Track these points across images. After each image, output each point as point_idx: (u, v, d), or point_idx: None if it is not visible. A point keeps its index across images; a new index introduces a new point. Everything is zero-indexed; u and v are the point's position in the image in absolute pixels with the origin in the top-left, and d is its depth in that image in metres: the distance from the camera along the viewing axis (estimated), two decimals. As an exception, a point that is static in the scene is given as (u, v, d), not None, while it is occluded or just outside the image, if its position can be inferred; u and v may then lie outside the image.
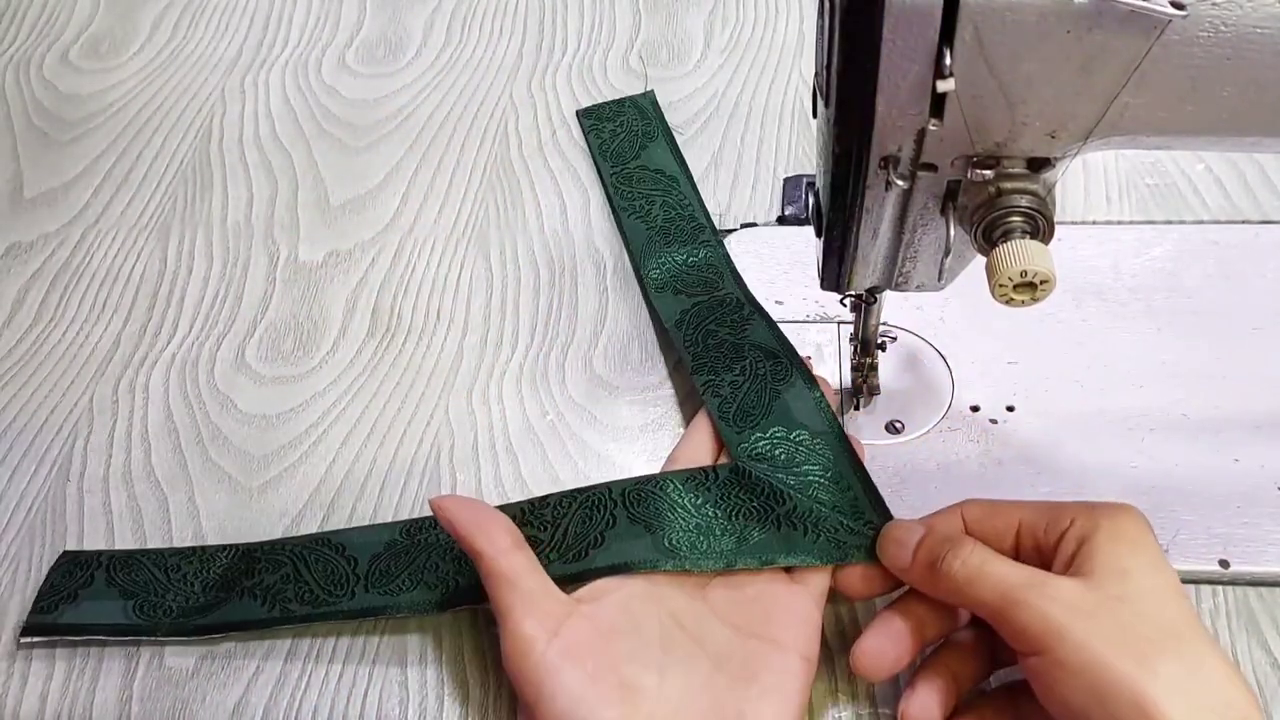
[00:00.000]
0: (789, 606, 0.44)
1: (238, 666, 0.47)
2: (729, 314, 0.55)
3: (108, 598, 0.49)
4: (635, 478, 0.48)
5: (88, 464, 0.55)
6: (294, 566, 0.49)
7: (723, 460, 0.50)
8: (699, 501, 0.47)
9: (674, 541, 0.45)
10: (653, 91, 0.70)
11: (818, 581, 0.45)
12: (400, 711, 0.46)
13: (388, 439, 0.55)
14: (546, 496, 0.48)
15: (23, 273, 0.64)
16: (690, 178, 0.64)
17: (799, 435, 0.49)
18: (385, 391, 0.57)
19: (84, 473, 0.54)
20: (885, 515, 0.46)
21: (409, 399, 0.56)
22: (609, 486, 0.48)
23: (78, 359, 0.59)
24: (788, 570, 0.45)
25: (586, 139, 0.68)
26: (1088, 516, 0.40)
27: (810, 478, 0.47)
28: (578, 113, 0.69)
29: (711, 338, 0.54)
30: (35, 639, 0.48)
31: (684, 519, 0.46)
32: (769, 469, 0.48)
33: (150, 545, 0.51)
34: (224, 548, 0.50)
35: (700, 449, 0.50)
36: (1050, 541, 0.41)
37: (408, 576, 0.47)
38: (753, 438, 0.49)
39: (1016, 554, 0.42)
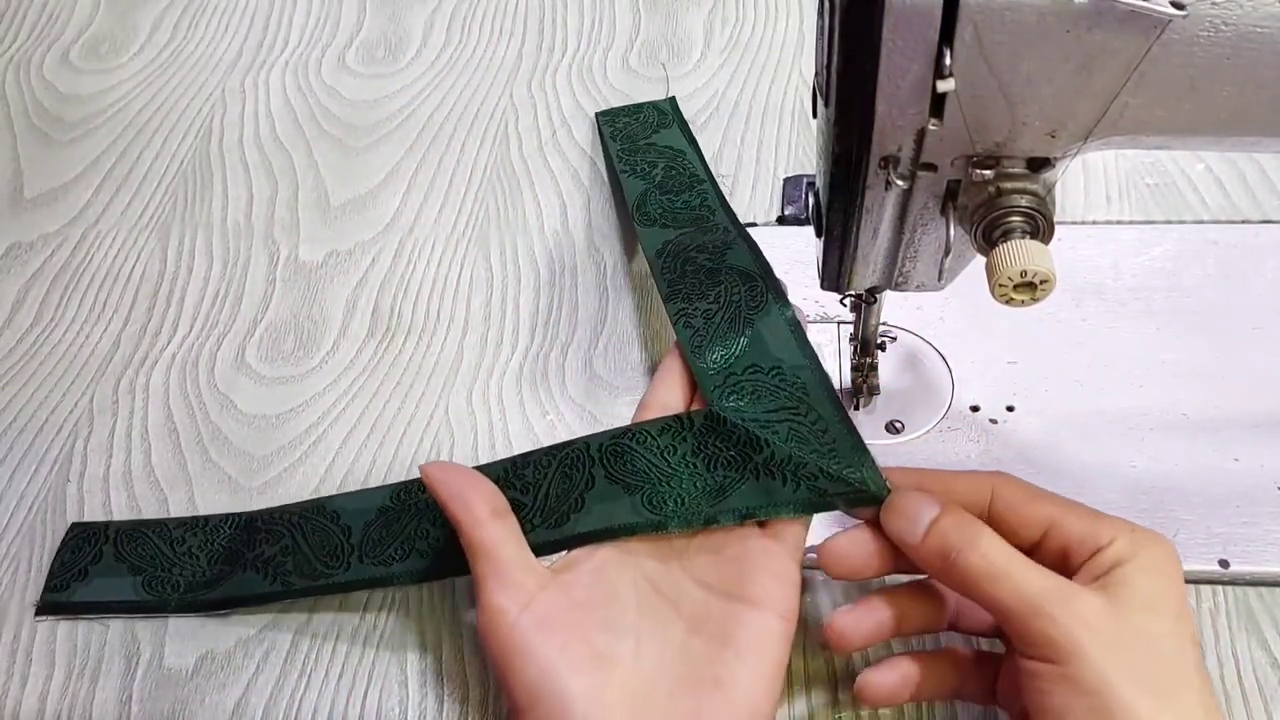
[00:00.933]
0: (764, 564, 0.42)
1: (237, 667, 0.47)
2: (711, 240, 0.54)
3: (117, 574, 0.49)
4: (611, 430, 0.47)
5: (88, 464, 0.55)
6: (292, 537, 0.49)
7: (695, 405, 0.48)
8: (676, 453, 0.45)
9: (653, 501, 0.44)
10: (674, 97, 0.69)
11: (794, 536, 0.43)
12: (400, 711, 0.46)
13: (388, 439, 0.55)
14: (528, 455, 0.47)
15: (23, 273, 0.64)
16: (701, 156, 0.63)
17: (773, 370, 0.47)
18: (385, 391, 0.57)
19: (84, 473, 0.54)
20: (865, 456, 0.43)
21: (409, 399, 0.56)
22: (586, 442, 0.47)
23: (78, 359, 0.59)
24: (762, 525, 0.44)
25: (600, 133, 0.68)
26: (1129, 540, 0.39)
27: (785, 418, 0.45)
28: (597, 115, 0.69)
29: (690, 264, 0.53)
30: (49, 617, 0.49)
31: (661, 473, 0.45)
32: (742, 409, 0.46)
33: (150, 545, 0.51)
34: (226, 518, 0.51)
35: (671, 393, 0.48)
36: (1083, 552, 0.39)
37: (399, 545, 0.47)
38: (725, 374, 0.47)
39: (1036, 548, 0.40)
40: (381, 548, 0.47)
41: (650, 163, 0.63)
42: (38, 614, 0.49)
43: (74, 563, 0.50)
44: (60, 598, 0.49)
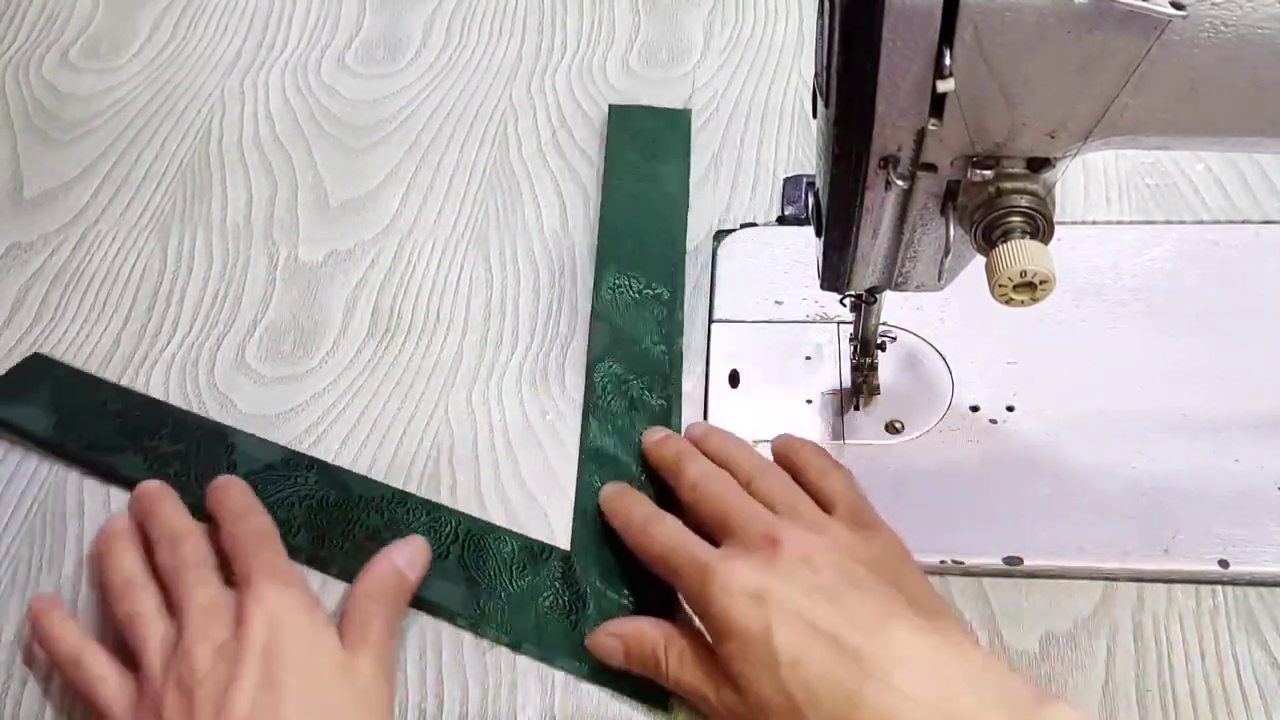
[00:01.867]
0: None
1: (238, 667, 0.47)
2: (646, 383, 0.55)
3: (39, 406, 0.56)
4: (485, 522, 0.51)
5: (88, 464, 0.55)
6: (188, 446, 0.54)
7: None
8: (525, 574, 0.49)
9: (484, 605, 0.48)
10: (690, 111, 0.68)
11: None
12: (400, 711, 0.46)
13: (388, 439, 0.55)
14: (407, 496, 0.52)
15: (23, 273, 0.64)
16: (685, 202, 0.63)
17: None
18: (385, 391, 0.57)
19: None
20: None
21: (409, 399, 0.56)
22: (458, 517, 0.51)
23: (78, 359, 0.59)
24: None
25: (610, 130, 0.67)
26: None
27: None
28: (611, 107, 0.69)
29: (621, 397, 0.55)
30: None
31: (504, 585, 0.49)
32: (593, 578, 0.49)
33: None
34: (153, 402, 0.56)
35: None
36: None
37: (279, 503, 0.51)
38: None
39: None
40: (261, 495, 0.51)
41: (644, 207, 0.62)
42: None
43: (15, 382, 0.57)
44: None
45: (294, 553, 0.48)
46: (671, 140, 0.66)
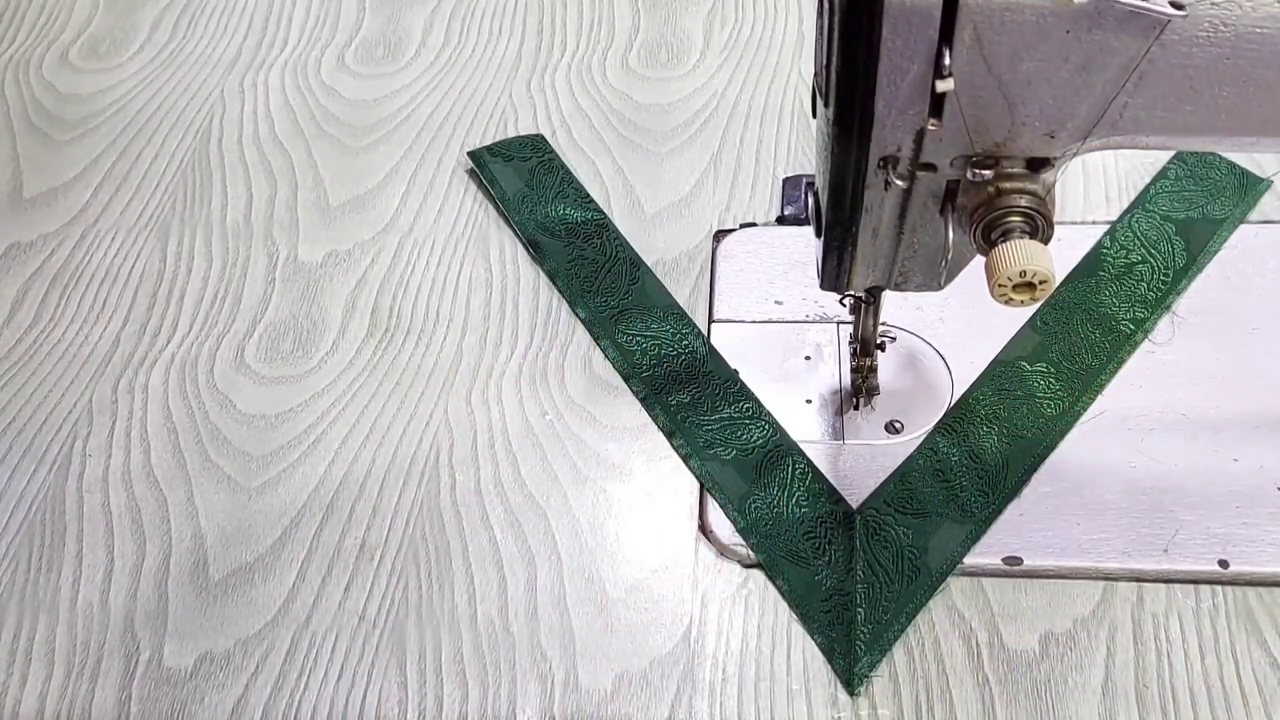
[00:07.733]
0: None
1: (237, 667, 0.47)
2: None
3: (519, 177, 0.64)
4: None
5: (87, 464, 0.55)
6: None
7: None
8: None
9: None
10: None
11: None
12: (400, 711, 0.46)
13: (387, 439, 0.55)
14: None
15: (23, 273, 0.64)
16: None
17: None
18: (385, 391, 0.57)
19: (84, 473, 0.54)
20: None
21: (408, 399, 0.56)
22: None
23: (78, 359, 0.59)
24: None
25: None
26: None
27: None
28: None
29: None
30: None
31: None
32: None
33: (150, 545, 0.51)
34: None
35: None
36: None
37: None
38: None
39: None
40: None
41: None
42: (470, 154, 0.66)
43: (511, 149, 0.66)
44: (481, 154, 0.66)
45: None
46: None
